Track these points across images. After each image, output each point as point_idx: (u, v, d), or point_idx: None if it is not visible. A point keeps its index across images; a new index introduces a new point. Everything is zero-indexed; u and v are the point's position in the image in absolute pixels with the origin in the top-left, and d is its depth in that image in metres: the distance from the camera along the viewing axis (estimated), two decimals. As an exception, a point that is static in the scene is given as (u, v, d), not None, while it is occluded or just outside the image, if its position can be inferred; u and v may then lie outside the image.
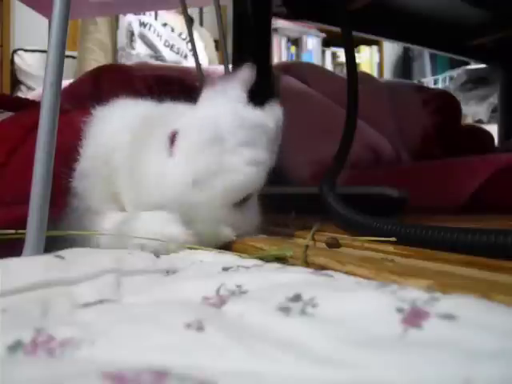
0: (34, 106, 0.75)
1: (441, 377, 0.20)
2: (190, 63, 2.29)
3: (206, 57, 2.38)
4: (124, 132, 0.59)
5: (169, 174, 0.53)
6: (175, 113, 0.60)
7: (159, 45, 2.25)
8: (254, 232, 0.59)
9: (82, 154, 0.59)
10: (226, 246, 0.56)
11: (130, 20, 2.16)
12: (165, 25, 2.29)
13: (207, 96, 0.61)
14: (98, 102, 0.66)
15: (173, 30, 2.31)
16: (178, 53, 2.32)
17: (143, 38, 2.20)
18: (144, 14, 2.19)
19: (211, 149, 0.53)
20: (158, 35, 2.25)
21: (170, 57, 2.27)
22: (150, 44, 2.22)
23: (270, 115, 0.60)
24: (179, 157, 0.54)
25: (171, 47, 2.30)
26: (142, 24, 2.20)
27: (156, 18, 2.26)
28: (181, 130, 0.55)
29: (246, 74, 0.63)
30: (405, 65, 4.00)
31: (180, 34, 2.33)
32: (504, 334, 0.23)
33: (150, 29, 2.22)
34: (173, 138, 0.55)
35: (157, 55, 2.22)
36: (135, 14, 2.16)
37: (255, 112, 0.59)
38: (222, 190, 0.53)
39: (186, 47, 2.34)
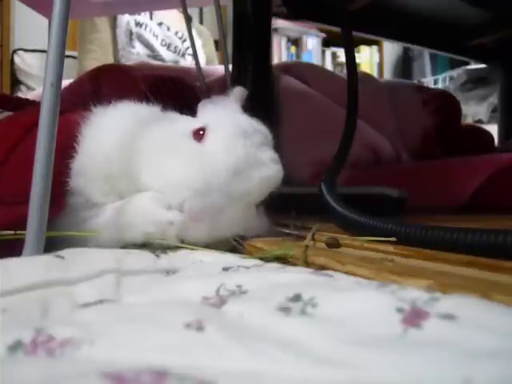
0: (34, 105, 0.75)
1: (441, 377, 0.20)
2: (187, 61, 2.29)
3: (204, 55, 2.37)
4: (130, 129, 0.59)
5: (208, 161, 0.53)
6: (172, 118, 0.63)
7: (156, 44, 2.24)
8: (264, 234, 0.59)
9: (79, 151, 0.59)
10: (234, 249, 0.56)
11: (127, 19, 2.16)
12: (160, 24, 2.28)
13: (206, 107, 0.64)
14: (98, 102, 0.66)
15: (168, 29, 2.30)
16: (175, 52, 2.31)
17: (139, 37, 2.19)
18: (139, 14, 2.18)
19: (246, 142, 0.55)
20: (154, 35, 2.24)
21: (167, 56, 2.26)
22: (146, 44, 2.21)
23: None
24: (216, 146, 0.54)
25: (168, 46, 2.29)
26: (138, 24, 2.19)
27: (151, 18, 2.26)
28: (210, 125, 0.57)
29: (241, 91, 0.67)
30: (405, 65, 4.01)
31: (176, 33, 2.33)
32: (504, 334, 0.23)
33: (145, 29, 2.22)
34: (198, 132, 0.56)
35: (154, 54, 2.22)
36: (130, 14, 2.15)
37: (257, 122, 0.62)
38: (258, 182, 0.55)
39: (182, 46, 2.34)
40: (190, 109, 0.65)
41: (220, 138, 0.55)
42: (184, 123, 0.60)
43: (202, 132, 0.56)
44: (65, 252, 0.43)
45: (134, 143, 0.57)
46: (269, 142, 0.60)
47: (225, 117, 0.59)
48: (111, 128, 0.61)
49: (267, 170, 0.56)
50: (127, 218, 0.53)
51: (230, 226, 0.53)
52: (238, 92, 0.68)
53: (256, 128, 0.59)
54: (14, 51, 2.86)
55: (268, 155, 0.57)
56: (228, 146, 0.54)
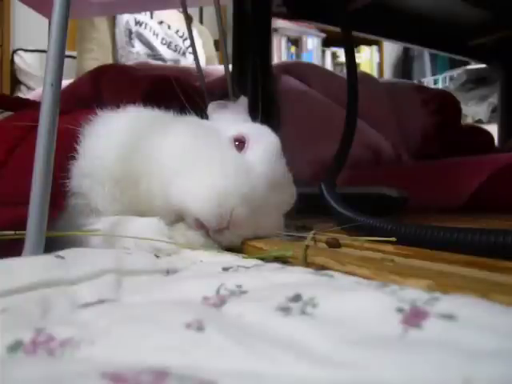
0: (34, 105, 0.75)
1: (441, 377, 0.20)
2: (188, 60, 2.29)
3: (204, 54, 2.37)
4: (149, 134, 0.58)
5: (252, 172, 0.55)
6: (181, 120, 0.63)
7: (156, 43, 2.24)
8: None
9: (82, 153, 0.58)
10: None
11: (127, 19, 2.16)
12: (161, 23, 2.28)
13: (217, 110, 0.67)
14: (98, 103, 0.66)
15: (169, 28, 2.30)
16: (175, 50, 2.31)
17: (139, 36, 2.19)
18: (139, 13, 2.18)
19: (282, 160, 0.60)
20: (154, 33, 2.24)
21: (167, 55, 2.26)
22: (146, 43, 2.21)
23: None
24: (260, 159, 0.56)
25: (168, 45, 2.29)
26: (138, 23, 2.19)
27: (152, 17, 2.26)
28: (249, 136, 0.59)
29: (246, 101, 0.70)
30: (405, 65, 4.01)
31: (177, 32, 2.32)
32: (504, 334, 0.23)
33: (145, 27, 2.21)
34: (239, 142, 0.58)
35: (154, 53, 2.22)
36: (131, 13, 2.15)
37: None
38: (288, 196, 0.60)
39: (183, 44, 2.34)
40: (190, 109, 0.66)
41: (263, 153, 0.57)
42: (215, 129, 0.61)
43: (240, 142, 0.58)
44: (65, 252, 0.43)
45: (152, 148, 0.56)
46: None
47: (263, 131, 0.62)
48: (122, 130, 0.59)
49: (291, 188, 0.61)
50: (118, 231, 0.53)
51: (262, 231, 0.56)
52: (244, 102, 0.70)
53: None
54: (14, 51, 2.86)
55: (290, 175, 0.62)
56: (270, 162, 0.57)
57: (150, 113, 0.64)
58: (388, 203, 0.81)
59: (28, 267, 0.37)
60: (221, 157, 0.55)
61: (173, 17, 2.31)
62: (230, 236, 0.53)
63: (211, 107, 0.68)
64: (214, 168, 0.53)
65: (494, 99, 2.85)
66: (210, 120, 0.67)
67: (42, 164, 0.46)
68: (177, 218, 0.55)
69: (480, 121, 2.95)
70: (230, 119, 0.65)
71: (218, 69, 1.49)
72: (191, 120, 0.64)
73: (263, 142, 0.59)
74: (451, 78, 3.30)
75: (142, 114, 0.64)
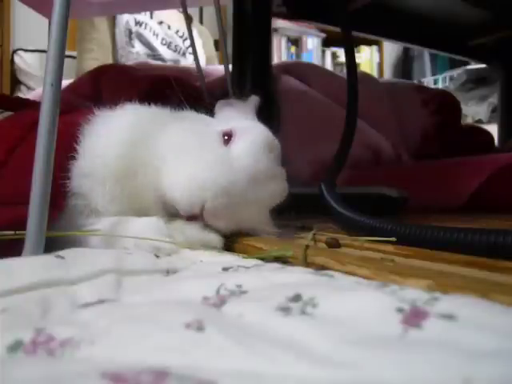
0: (34, 105, 0.75)
1: (441, 377, 0.20)
2: (188, 60, 2.29)
3: (204, 54, 2.37)
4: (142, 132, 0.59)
5: (233, 166, 0.55)
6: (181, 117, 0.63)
7: (156, 43, 2.24)
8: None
9: (82, 153, 0.58)
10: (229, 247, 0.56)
11: (127, 19, 2.16)
12: (161, 23, 2.28)
13: (225, 108, 0.68)
14: (98, 102, 0.66)
15: (169, 28, 2.30)
16: (175, 51, 2.31)
17: (139, 36, 2.19)
18: (139, 13, 2.18)
19: (269, 155, 0.59)
20: (154, 34, 2.24)
21: (167, 55, 2.26)
22: (146, 43, 2.21)
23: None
24: (242, 154, 0.57)
25: (168, 45, 2.29)
26: (138, 23, 2.19)
27: (151, 17, 2.26)
28: (237, 130, 0.59)
29: (256, 100, 0.71)
30: (405, 65, 4.01)
31: (177, 32, 2.33)
32: (504, 334, 0.23)
33: (145, 28, 2.21)
34: (225, 136, 0.59)
35: (154, 53, 2.22)
36: (130, 13, 2.15)
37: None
38: (271, 193, 0.59)
39: (183, 45, 2.34)
40: (190, 109, 0.66)
41: (247, 147, 0.57)
42: (208, 124, 0.62)
43: (228, 136, 0.59)
44: (65, 252, 0.43)
45: (150, 143, 0.58)
46: (280, 157, 0.63)
47: (253, 126, 0.62)
48: (121, 127, 0.60)
49: (279, 183, 0.60)
50: (118, 232, 0.54)
51: (244, 225, 0.58)
52: (254, 101, 0.71)
53: (276, 143, 0.62)
54: (14, 51, 2.86)
55: (280, 170, 0.61)
56: (254, 156, 0.57)
57: (148, 109, 0.65)
58: (388, 203, 0.81)
59: (28, 267, 0.37)
60: (203, 149, 0.57)
61: (173, 17, 2.31)
62: (217, 224, 0.54)
63: (218, 105, 0.69)
64: (196, 160, 0.55)
65: (494, 99, 2.86)
66: (216, 118, 0.67)
67: (42, 164, 0.46)
68: (171, 212, 0.56)
69: (480, 121, 2.95)
70: (232, 116, 0.65)
71: (218, 69, 1.49)
72: (186, 115, 0.65)
73: (250, 135, 0.59)
74: (451, 78, 3.30)
75: (139, 110, 0.64)
